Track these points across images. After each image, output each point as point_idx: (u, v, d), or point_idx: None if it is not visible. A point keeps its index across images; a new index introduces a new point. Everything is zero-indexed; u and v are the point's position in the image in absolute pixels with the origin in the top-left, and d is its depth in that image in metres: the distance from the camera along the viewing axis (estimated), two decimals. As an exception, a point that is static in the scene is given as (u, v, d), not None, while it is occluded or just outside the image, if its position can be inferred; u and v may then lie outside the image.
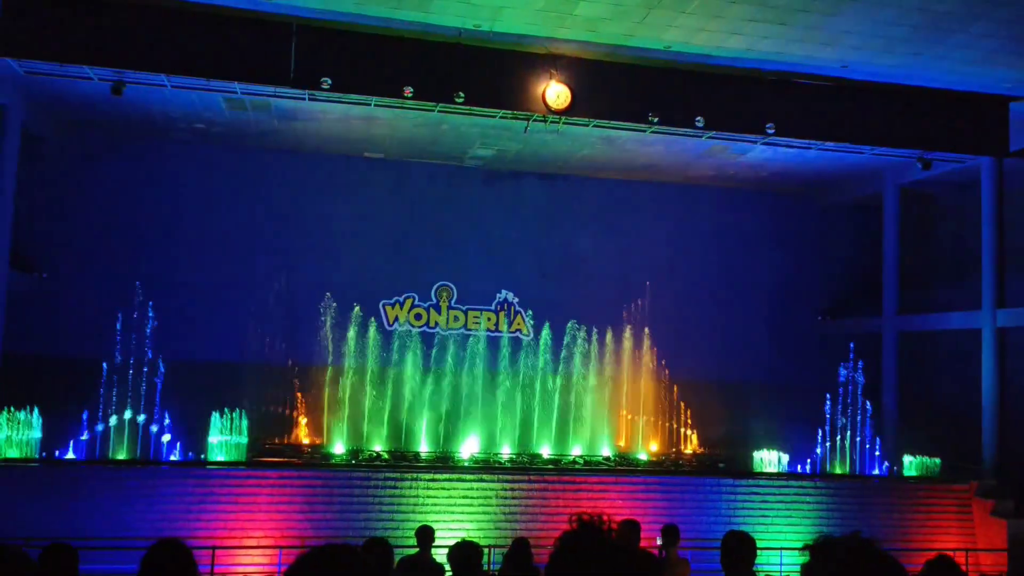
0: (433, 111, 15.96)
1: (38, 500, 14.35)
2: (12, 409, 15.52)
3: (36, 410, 15.75)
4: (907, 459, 18.64)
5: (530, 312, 22.20)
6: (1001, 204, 19.09)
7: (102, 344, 16.96)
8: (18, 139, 17.46)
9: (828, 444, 18.94)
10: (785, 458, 18.26)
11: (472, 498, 15.81)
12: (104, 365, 16.67)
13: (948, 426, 19.42)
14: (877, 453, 19.04)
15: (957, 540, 16.52)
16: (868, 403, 19.31)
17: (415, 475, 16.01)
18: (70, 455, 16.00)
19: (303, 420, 18.78)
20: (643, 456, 19.43)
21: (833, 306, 23.70)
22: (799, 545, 13.14)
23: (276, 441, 18.28)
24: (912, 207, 22.02)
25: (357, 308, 20.10)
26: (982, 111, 16.86)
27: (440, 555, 8.43)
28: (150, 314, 17.49)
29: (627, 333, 21.00)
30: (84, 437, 16.29)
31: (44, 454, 15.81)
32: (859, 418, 19.24)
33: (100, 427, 16.37)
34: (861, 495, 17.37)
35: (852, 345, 20.12)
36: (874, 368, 20.94)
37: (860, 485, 17.86)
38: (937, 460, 18.32)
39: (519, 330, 22.23)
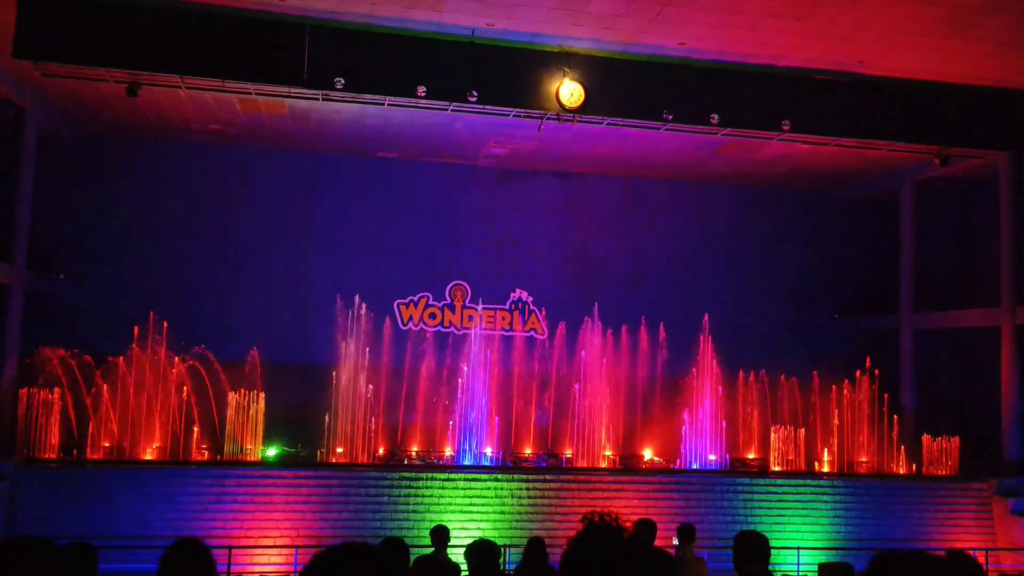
0: (446, 110, 15.94)
1: (58, 500, 14.47)
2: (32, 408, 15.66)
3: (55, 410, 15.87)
4: (925, 458, 18.48)
5: (544, 311, 22.16)
6: (1020, 199, 18.88)
7: (119, 344, 17.06)
8: (35, 141, 17.61)
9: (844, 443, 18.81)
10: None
11: (487, 498, 15.80)
12: (121, 364, 16.77)
13: (967, 424, 19.24)
14: (895, 453, 18.88)
15: (977, 539, 16.36)
16: (885, 401, 19.17)
17: (430, 475, 16.02)
18: (89, 456, 16.11)
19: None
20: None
21: (850, 303, 23.51)
22: (816, 544, 13.10)
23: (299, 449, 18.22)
24: (930, 203, 21.81)
25: (371, 307, 20.10)
26: (1001, 105, 16.67)
27: (455, 555, 8.41)
28: (166, 313, 17.56)
29: (642, 331, 20.89)
30: (102, 437, 16.39)
31: (63, 455, 15.93)
32: (876, 416, 19.08)
33: (119, 427, 16.48)
34: (879, 494, 17.23)
35: (870, 342, 19.97)
36: (892, 366, 20.77)
37: (878, 484, 17.72)
38: (955, 453, 18.16)
39: (534, 329, 22.19)
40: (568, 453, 19.06)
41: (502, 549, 9.05)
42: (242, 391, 17.09)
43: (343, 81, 14.30)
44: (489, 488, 15.88)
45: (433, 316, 21.92)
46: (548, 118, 15.84)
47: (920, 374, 20.96)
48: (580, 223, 22.55)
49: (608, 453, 18.91)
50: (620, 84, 15.44)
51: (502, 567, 9.31)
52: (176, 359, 17.16)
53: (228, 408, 16.87)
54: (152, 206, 20.55)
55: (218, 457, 16.74)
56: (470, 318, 21.90)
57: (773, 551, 5.71)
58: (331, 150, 21.22)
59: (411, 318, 21.75)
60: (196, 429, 16.88)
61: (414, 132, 19.17)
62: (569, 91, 14.89)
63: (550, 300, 22.08)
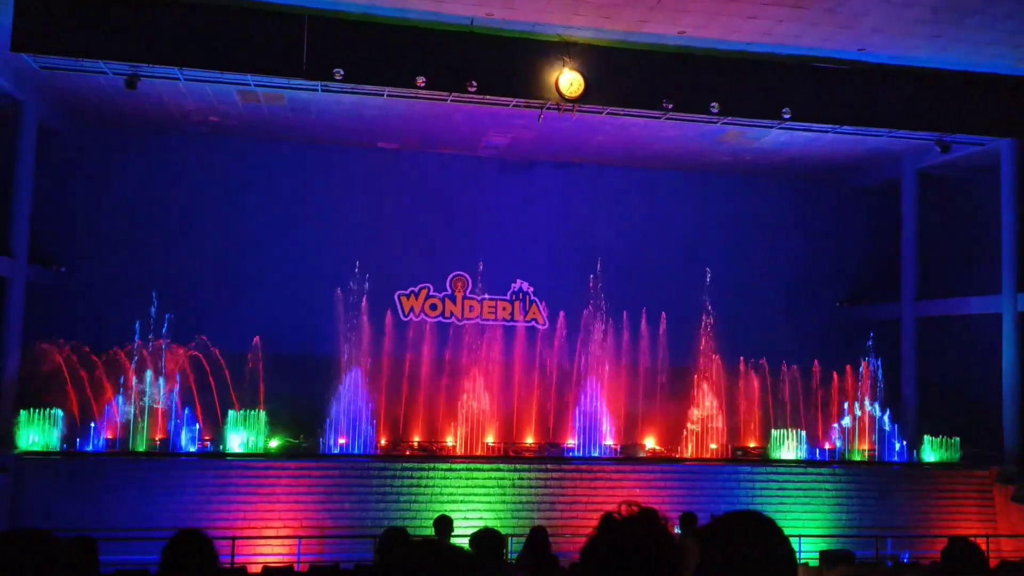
0: (446, 100, 15.90)
1: (60, 492, 14.51)
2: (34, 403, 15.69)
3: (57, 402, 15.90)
4: (927, 445, 18.50)
5: (545, 301, 22.16)
6: (1022, 186, 18.84)
7: (120, 337, 17.09)
8: (35, 134, 17.59)
9: (847, 431, 18.83)
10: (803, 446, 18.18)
11: (489, 487, 15.84)
12: (123, 357, 16.80)
13: (968, 412, 19.26)
14: (896, 440, 18.91)
15: (978, 526, 16.40)
16: (887, 389, 19.18)
17: (432, 465, 16.05)
18: (91, 447, 16.15)
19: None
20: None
21: (852, 292, 23.49)
22: (817, 532, 13.10)
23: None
24: (931, 191, 21.77)
25: (372, 298, 20.11)
26: (1002, 93, 16.60)
27: (458, 545, 8.43)
28: (167, 306, 17.58)
29: (643, 321, 20.91)
30: (104, 429, 16.43)
31: (66, 446, 15.96)
32: (878, 404, 19.10)
33: (120, 419, 16.51)
34: (881, 481, 17.26)
35: (871, 331, 19.97)
36: (893, 354, 20.76)
37: (879, 471, 17.75)
38: (956, 440, 18.19)
39: (535, 319, 22.19)
40: (570, 442, 19.10)
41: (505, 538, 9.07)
42: (244, 382, 17.12)
43: (342, 72, 14.25)
44: (491, 478, 15.92)
45: (434, 307, 21.92)
46: (548, 108, 15.80)
47: (922, 362, 20.96)
48: (581, 213, 22.52)
49: (610, 442, 18.95)
50: (620, 73, 15.38)
51: (505, 556, 9.34)
52: (178, 351, 17.19)
53: (230, 399, 16.90)
54: (152, 198, 20.53)
55: (220, 448, 16.78)
56: (471, 309, 21.91)
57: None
58: (331, 141, 21.18)
59: (412, 309, 21.76)
60: (198, 420, 16.91)
61: (414, 123, 19.13)
62: (569, 81, 14.84)
63: (551, 290, 22.07)
